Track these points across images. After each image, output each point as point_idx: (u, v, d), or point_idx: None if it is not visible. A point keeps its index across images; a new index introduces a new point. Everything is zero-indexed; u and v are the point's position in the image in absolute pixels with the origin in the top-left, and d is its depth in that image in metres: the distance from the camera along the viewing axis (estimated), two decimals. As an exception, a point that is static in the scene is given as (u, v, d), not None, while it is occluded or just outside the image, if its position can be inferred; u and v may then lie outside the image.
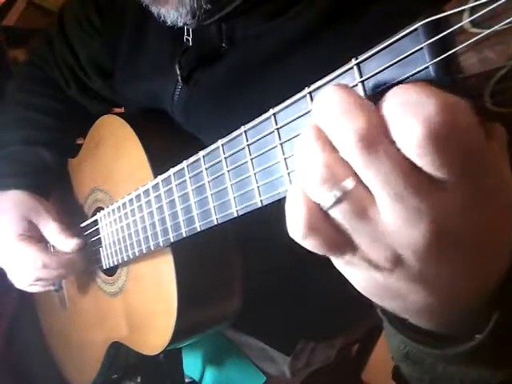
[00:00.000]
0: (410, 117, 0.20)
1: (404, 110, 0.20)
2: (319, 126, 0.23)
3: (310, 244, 0.24)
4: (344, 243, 0.24)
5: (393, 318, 0.31)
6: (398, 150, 0.21)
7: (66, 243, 0.66)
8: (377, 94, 0.24)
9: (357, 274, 0.25)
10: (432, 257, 0.23)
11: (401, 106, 0.20)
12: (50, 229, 0.67)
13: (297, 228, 0.24)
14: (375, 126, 0.21)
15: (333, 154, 0.23)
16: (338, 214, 0.23)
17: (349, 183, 0.22)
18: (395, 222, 0.22)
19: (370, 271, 0.24)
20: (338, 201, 0.23)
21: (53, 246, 0.75)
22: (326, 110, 0.22)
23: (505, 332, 0.27)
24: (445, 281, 0.24)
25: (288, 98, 0.28)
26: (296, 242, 0.25)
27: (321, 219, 0.24)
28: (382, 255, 0.23)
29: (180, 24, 0.48)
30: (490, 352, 0.28)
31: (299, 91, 0.28)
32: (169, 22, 0.48)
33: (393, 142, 0.21)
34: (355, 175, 0.22)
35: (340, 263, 0.25)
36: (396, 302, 0.26)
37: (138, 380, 0.77)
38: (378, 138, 0.21)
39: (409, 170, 0.21)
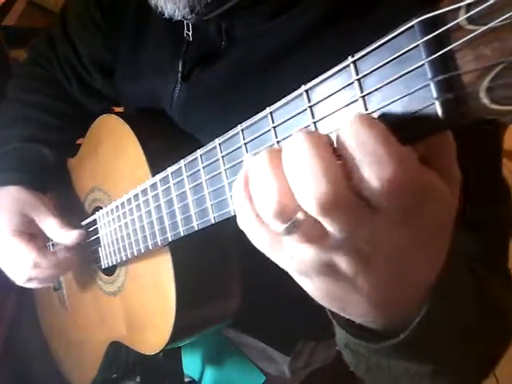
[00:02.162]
0: (373, 175, 0.22)
1: (367, 165, 0.22)
2: (283, 158, 0.24)
3: (255, 240, 0.28)
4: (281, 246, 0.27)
5: (336, 316, 0.35)
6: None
7: (67, 236, 0.65)
8: (373, 92, 0.24)
9: (301, 278, 0.29)
10: (358, 262, 0.26)
11: (364, 157, 0.22)
12: (50, 223, 0.66)
13: (245, 222, 0.27)
14: (326, 169, 0.23)
15: (288, 193, 0.24)
16: (288, 238, 0.26)
17: (300, 216, 0.25)
18: (331, 235, 0.25)
19: (311, 276, 0.27)
20: (289, 229, 0.25)
21: (52, 244, 0.75)
22: (290, 155, 0.24)
23: (425, 334, 0.31)
24: (370, 288, 0.27)
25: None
26: None
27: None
28: (319, 259, 0.26)
29: (178, 17, 0.47)
30: (411, 348, 0.32)
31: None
32: (166, 15, 0.47)
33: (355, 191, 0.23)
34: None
35: (280, 262, 0.28)
36: (334, 303, 0.30)
37: (138, 379, 0.77)
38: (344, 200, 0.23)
39: (353, 201, 0.23)
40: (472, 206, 0.45)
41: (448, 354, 0.36)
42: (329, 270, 0.26)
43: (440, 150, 0.25)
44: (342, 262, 0.26)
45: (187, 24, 0.55)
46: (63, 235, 0.66)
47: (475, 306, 0.37)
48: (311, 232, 0.25)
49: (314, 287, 0.29)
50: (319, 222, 0.24)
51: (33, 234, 0.68)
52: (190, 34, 0.55)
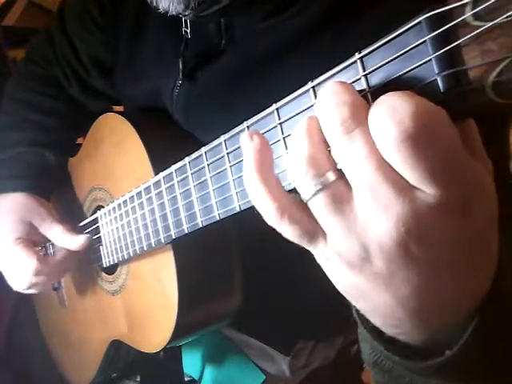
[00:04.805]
0: (386, 118, 0.21)
1: (383, 112, 0.21)
2: (315, 117, 0.24)
3: (286, 231, 0.25)
4: (317, 234, 0.25)
5: (365, 322, 0.30)
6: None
7: (73, 241, 0.66)
8: (380, 87, 0.24)
9: (334, 271, 0.26)
10: (398, 258, 0.23)
11: (382, 107, 0.21)
12: (54, 230, 0.67)
13: (270, 214, 0.25)
14: (361, 110, 0.22)
15: (320, 147, 0.24)
16: (316, 206, 0.24)
17: (330, 176, 0.24)
18: (366, 215, 0.23)
19: (342, 268, 0.25)
20: (318, 192, 0.24)
21: (52, 247, 0.75)
22: (320, 101, 0.23)
23: (476, 351, 0.27)
24: (411, 289, 0.24)
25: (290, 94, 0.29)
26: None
27: (298, 209, 0.25)
28: (351, 249, 0.24)
29: (173, 12, 0.47)
30: (458, 369, 0.28)
31: (300, 87, 0.28)
32: (160, 9, 0.47)
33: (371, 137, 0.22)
34: (337, 170, 0.24)
35: (318, 257, 0.26)
36: (365, 302, 0.27)
37: (138, 379, 0.77)
38: (358, 125, 0.22)
39: (385, 164, 0.22)
40: None
41: (502, 372, 0.30)
42: (357, 258, 0.24)
43: (472, 139, 0.24)
44: (377, 254, 0.23)
45: (185, 21, 0.55)
46: (69, 241, 0.66)
47: None
48: (339, 196, 0.23)
49: (338, 279, 0.26)
50: (349, 190, 0.23)
51: (36, 241, 0.69)
52: (188, 31, 0.55)
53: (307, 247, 0.26)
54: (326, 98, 0.23)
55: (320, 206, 0.24)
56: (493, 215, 0.24)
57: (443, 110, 0.21)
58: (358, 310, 0.29)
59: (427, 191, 0.21)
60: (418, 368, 0.28)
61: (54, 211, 0.71)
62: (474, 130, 0.24)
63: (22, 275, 0.66)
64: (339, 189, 0.23)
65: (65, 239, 0.66)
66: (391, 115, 0.21)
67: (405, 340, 0.28)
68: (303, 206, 0.25)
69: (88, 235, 0.66)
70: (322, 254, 0.25)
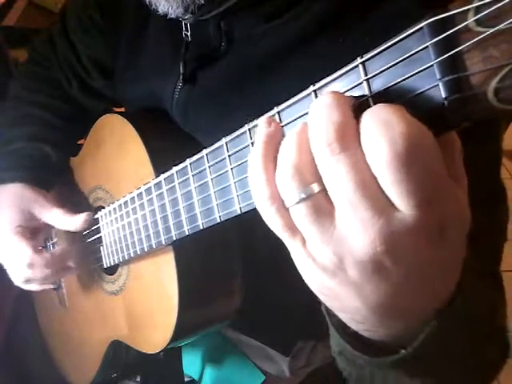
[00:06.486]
0: (379, 135, 0.21)
1: (376, 128, 0.22)
2: (305, 127, 0.25)
3: (270, 220, 0.27)
4: (296, 234, 0.26)
5: (333, 319, 0.33)
6: (365, 162, 0.23)
7: (73, 221, 0.65)
8: (381, 92, 0.24)
9: (307, 270, 0.28)
10: (371, 272, 0.24)
11: (374, 122, 0.22)
12: (54, 214, 0.67)
13: (262, 199, 0.27)
14: (348, 132, 0.23)
15: (308, 158, 0.25)
16: (297, 214, 0.25)
17: (315, 187, 0.24)
18: (345, 231, 0.24)
19: (315, 269, 0.26)
20: (301, 201, 0.25)
21: (52, 246, 0.75)
22: (312, 112, 0.24)
23: (429, 352, 0.30)
24: (379, 297, 0.26)
25: (290, 97, 0.29)
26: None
27: (282, 205, 0.26)
28: (327, 256, 0.25)
29: (172, 15, 0.48)
30: (413, 365, 0.31)
31: (300, 91, 0.28)
32: (160, 12, 0.48)
33: (362, 154, 0.23)
34: (322, 182, 0.24)
35: (294, 255, 0.28)
36: (335, 303, 0.29)
37: (138, 379, 0.77)
38: (348, 143, 0.23)
39: (370, 183, 0.23)
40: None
41: (452, 370, 0.35)
42: (331, 265, 0.25)
43: (453, 155, 0.25)
44: (351, 265, 0.25)
45: (185, 24, 0.56)
46: (69, 221, 0.66)
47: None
48: (320, 208, 0.24)
49: (311, 278, 0.28)
50: (331, 204, 0.24)
51: (34, 231, 0.68)
52: (189, 34, 0.56)
53: (286, 243, 0.27)
54: (317, 111, 0.24)
55: (301, 215, 0.25)
56: (464, 241, 0.26)
57: (430, 132, 0.22)
58: (326, 307, 0.32)
59: (407, 213, 0.22)
60: (376, 362, 0.32)
61: (55, 200, 0.70)
62: (455, 144, 0.25)
63: (18, 267, 0.66)
64: (322, 201, 0.25)
65: (66, 220, 0.66)
66: (384, 133, 0.21)
67: (368, 336, 0.31)
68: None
69: (88, 212, 0.65)
70: (298, 253, 0.27)
